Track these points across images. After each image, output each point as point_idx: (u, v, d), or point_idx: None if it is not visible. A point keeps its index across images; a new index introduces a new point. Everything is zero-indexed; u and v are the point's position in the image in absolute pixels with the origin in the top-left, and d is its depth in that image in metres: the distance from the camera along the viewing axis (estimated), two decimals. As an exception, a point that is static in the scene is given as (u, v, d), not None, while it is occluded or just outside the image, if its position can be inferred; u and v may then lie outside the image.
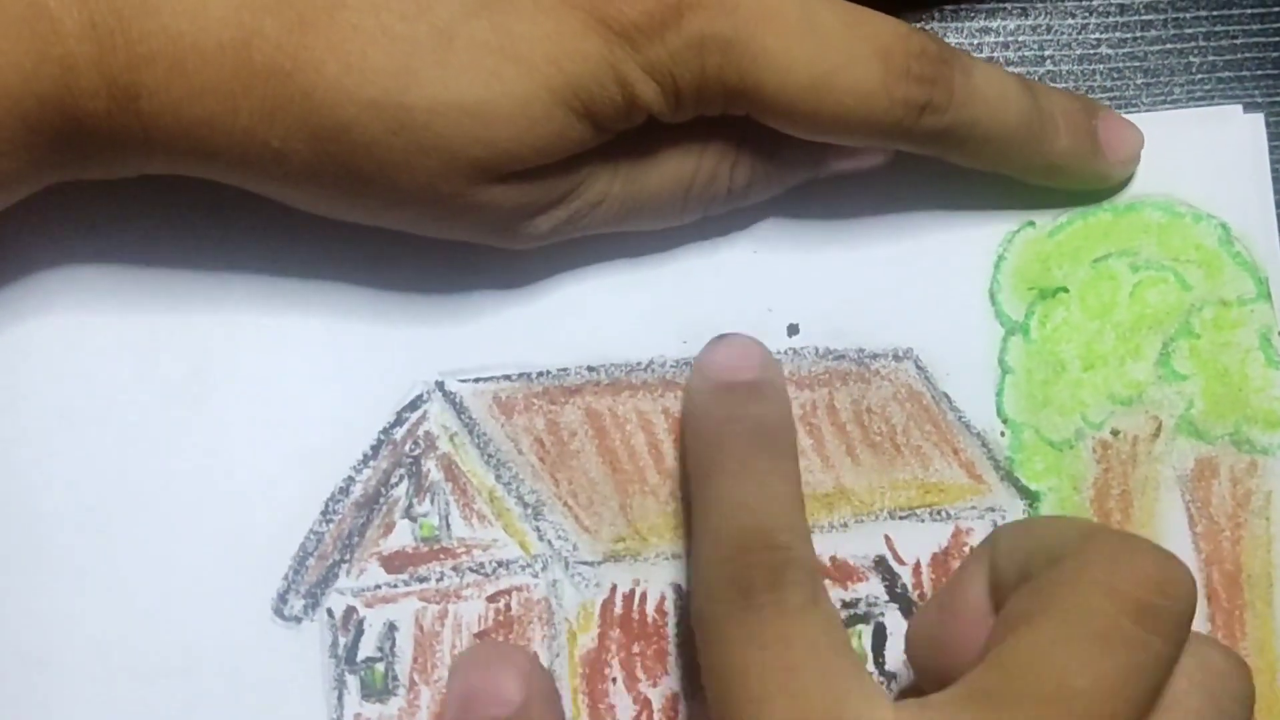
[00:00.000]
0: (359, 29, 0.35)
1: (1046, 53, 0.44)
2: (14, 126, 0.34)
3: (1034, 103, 0.40)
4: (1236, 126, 0.43)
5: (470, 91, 0.35)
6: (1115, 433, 0.42)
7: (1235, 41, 0.44)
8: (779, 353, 0.41)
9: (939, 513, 0.41)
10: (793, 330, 0.42)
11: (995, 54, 0.44)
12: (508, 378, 0.41)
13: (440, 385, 0.41)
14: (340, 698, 0.39)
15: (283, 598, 0.39)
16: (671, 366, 0.41)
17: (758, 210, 0.42)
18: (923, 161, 0.42)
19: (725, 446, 0.36)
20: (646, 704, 0.40)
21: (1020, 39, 0.44)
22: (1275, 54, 0.44)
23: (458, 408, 0.40)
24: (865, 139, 0.39)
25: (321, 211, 0.38)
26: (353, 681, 0.39)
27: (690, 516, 0.39)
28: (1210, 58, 0.44)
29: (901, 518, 0.41)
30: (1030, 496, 0.41)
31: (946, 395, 0.42)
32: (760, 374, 0.38)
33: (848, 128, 0.38)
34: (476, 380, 0.41)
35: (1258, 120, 0.43)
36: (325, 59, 0.35)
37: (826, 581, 0.40)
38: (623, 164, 0.39)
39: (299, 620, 0.39)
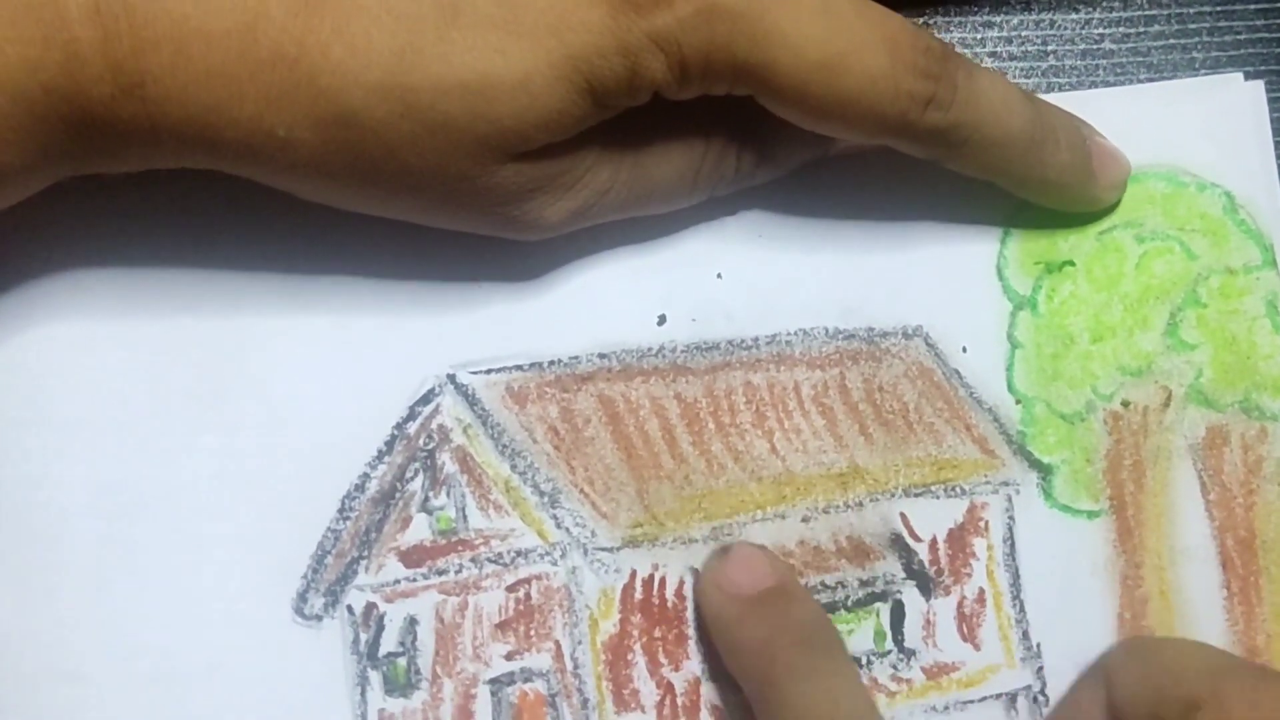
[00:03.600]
0: (363, 8, 0.34)
1: (1050, 47, 0.44)
2: (20, 116, 0.34)
3: (1037, 114, 0.40)
4: (1238, 94, 0.43)
5: (474, 69, 0.34)
6: (1126, 404, 0.42)
7: (1239, 37, 0.44)
8: (788, 334, 0.41)
9: (953, 489, 0.41)
10: (802, 311, 0.42)
11: (998, 48, 0.44)
12: (519, 368, 0.41)
13: (452, 378, 0.40)
14: (364, 694, 0.39)
15: (303, 597, 0.39)
16: (682, 351, 0.41)
17: (763, 193, 0.42)
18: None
19: (784, 655, 0.37)
20: (670, 688, 0.40)
21: (1023, 34, 0.44)
22: (1278, 49, 0.44)
23: (470, 399, 0.40)
24: (868, 130, 0.38)
25: (331, 201, 0.38)
26: (375, 677, 0.39)
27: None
28: (1214, 53, 0.44)
29: (916, 495, 0.41)
30: (1043, 470, 0.41)
31: (957, 371, 0.42)
32: (782, 577, 0.39)
33: (853, 115, 0.37)
34: (488, 371, 0.41)
35: (1258, 87, 0.43)
36: (330, 42, 0.34)
37: (843, 561, 0.41)
38: (630, 151, 0.38)
39: (320, 619, 0.39)
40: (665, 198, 0.40)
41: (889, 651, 0.41)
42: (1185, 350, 0.42)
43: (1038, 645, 0.41)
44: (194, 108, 0.34)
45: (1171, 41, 0.44)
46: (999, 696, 0.41)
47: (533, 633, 0.40)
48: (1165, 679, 0.35)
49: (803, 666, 0.37)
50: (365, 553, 0.40)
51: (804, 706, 0.36)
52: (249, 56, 0.34)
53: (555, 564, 0.40)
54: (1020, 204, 0.42)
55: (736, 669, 0.39)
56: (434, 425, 0.40)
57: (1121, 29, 0.44)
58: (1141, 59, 0.44)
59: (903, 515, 0.41)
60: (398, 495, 0.40)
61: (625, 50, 0.35)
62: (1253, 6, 0.44)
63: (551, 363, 0.41)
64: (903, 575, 0.41)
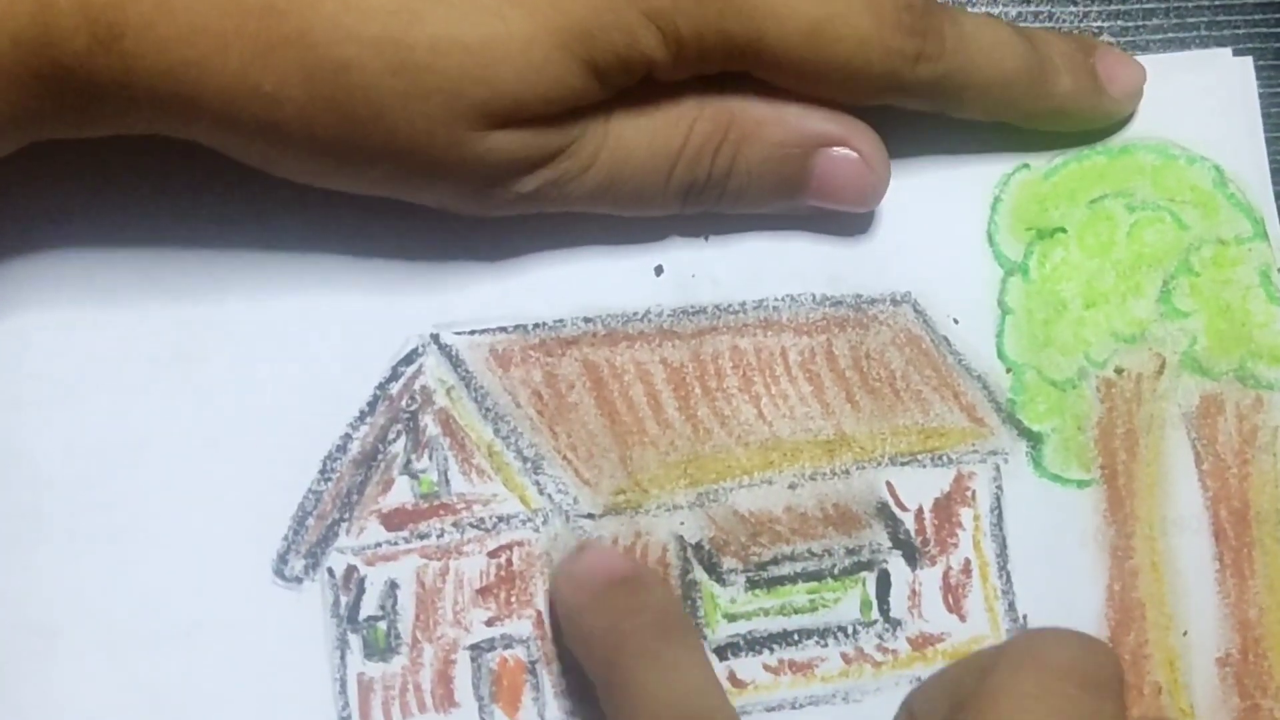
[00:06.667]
0: None
1: (1048, 39, 0.44)
2: None
3: (1031, 48, 0.40)
4: (1227, 69, 0.43)
5: (474, 30, 0.34)
6: (1119, 371, 0.41)
7: (1237, 31, 0.44)
8: (776, 300, 0.41)
9: (940, 457, 0.41)
10: (789, 277, 0.41)
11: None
12: (504, 330, 0.40)
13: (435, 338, 0.40)
14: (343, 657, 0.39)
15: (283, 558, 0.39)
16: (668, 316, 0.41)
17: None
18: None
19: (631, 640, 0.36)
20: (652, 656, 0.39)
21: (1022, 24, 0.44)
22: (1276, 44, 0.44)
23: (454, 361, 0.40)
24: (863, 92, 0.38)
25: (302, 172, 0.37)
26: (355, 641, 0.39)
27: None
28: (1212, 47, 0.44)
29: (903, 463, 0.41)
30: (1033, 438, 0.41)
31: (946, 338, 0.41)
32: (635, 568, 0.38)
33: (846, 79, 0.38)
34: (472, 333, 0.40)
35: (1246, 63, 0.43)
36: None
37: (830, 529, 0.40)
38: (614, 127, 0.38)
39: (300, 581, 0.39)
40: (638, 189, 0.39)
41: (875, 621, 0.40)
42: (1179, 317, 0.41)
43: (1024, 617, 0.40)
44: (175, 62, 0.33)
45: (1169, 35, 0.44)
46: (987, 666, 0.40)
47: (514, 599, 0.39)
48: (954, 672, 0.36)
49: (649, 651, 0.36)
50: (346, 515, 0.39)
51: (648, 693, 0.35)
52: (235, 9, 0.33)
53: (537, 530, 0.40)
54: (1010, 170, 0.42)
55: (584, 656, 0.37)
56: (417, 386, 0.40)
57: (1119, 22, 0.44)
58: (1139, 52, 0.43)
59: (889, 484, 0.41)
60: (379, 457, 0.39)
61: (623, 26, 0.35)
62: (1250, 0, 0.44)
63: (536, 325, 0.40)
64: (889, 545, 0.40)
